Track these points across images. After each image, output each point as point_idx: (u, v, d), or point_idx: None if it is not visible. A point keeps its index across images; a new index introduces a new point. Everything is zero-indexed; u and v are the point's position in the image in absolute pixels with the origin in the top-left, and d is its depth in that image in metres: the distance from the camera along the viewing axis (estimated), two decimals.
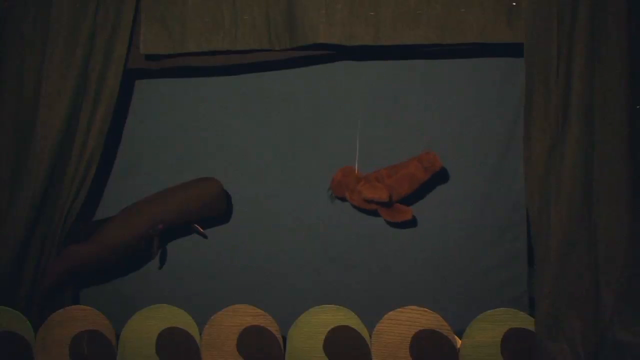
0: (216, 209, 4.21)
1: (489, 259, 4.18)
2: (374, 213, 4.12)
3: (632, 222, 3.61)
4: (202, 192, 4.17)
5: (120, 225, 4.09)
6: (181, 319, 3.78)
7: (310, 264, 4.32)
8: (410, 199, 4.09)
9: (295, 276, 4.33)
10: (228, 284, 4.33)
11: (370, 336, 3.68)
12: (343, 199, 4.14)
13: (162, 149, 4.43)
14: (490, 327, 3.63)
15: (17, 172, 3.96)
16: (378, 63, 4.19)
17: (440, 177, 4.13)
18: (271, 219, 4.34)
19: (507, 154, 4.13)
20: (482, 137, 4.16)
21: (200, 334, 3.77)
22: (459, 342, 3.67)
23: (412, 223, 4.18)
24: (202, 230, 4.27)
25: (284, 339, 3.74)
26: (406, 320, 3.65)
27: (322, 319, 3.70)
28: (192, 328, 3.77)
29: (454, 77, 4.15)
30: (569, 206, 3.62)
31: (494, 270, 4.18)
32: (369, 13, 3.80)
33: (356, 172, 4.09)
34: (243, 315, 3.75)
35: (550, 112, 3.65)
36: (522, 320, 3.66)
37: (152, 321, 3.79)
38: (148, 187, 4.33)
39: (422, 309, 3.65)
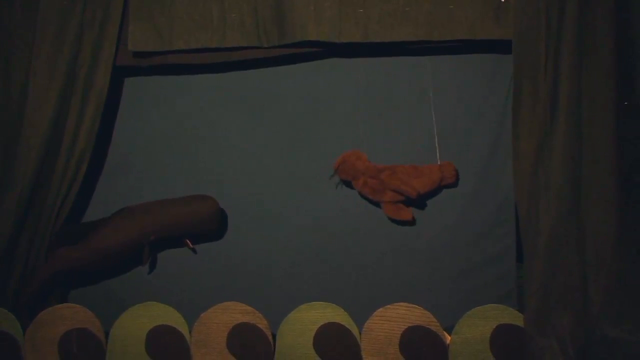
0: (209, 228, 4.20)
1: (478, 255, 4.18)
2: (370, 206, 4.17)
3: (620, 219, 3.63)
4: (198, 209, 4.13)
5: (112, 231, 4.07)
6: (171, 317, 3.78)
7: (300, 261, 4.31)
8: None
9: (285, 274, 4.31)
10: (218, 282, 4.31)
11: (360, 333, 3.69)
12: (346, 181, 4.14)
13: (152, 147, 4.40)
14: (479, 323, 3.64)
15: (5, 171, 3.94)
16: (367, 60, 4.18)
17: None
18: (260, 217, 4.32)
19: (495, 150, 4.13)
20: (471, 134, 4.16)
21: (190, 332, 3.77)
22: (448, 338, 3.68)
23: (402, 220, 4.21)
24: (192, 245, 4.26)
25: (274, 336, 3.74)
26: (396, 317, 3.66)
27: (312, 316, 3.71)
28: (181, 326, 3.77)
29: (443, 73, 4.15)
30: (557, 203, 3.63)
31: (483, 267, 4.18)
32: (357, 10, 3.81)
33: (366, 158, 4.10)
34: (233, 313, 3.75)
35: (539, 109, 3.66)
36: (511, 316, 3.67)
37: (141, 319, 3.79)
38: (139, 186, 4.32)
39: (411, 305, 3.66)
